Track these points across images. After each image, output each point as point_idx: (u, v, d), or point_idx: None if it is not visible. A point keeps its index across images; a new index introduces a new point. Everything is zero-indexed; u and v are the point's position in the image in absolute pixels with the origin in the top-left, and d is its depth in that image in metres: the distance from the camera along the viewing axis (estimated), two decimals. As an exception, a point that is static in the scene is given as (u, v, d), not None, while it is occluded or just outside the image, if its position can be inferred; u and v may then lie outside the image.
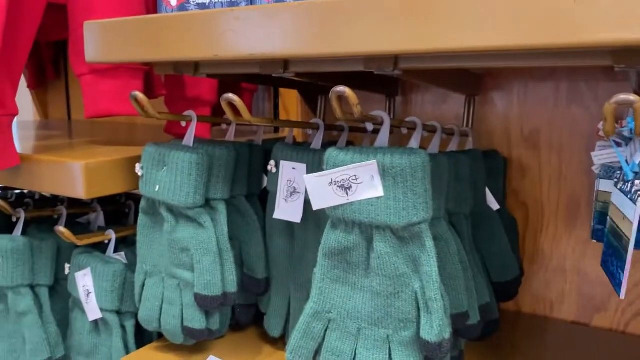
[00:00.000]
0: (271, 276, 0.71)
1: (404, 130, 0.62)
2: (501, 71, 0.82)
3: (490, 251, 0.68)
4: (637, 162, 0.45)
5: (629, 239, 0.44)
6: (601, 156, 0.70)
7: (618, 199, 0.45)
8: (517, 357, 0.70)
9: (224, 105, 0.53)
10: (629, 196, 0.44)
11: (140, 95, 0.60)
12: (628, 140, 0.53)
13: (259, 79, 0.81)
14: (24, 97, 1.49)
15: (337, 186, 0.51)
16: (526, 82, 0.81)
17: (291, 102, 1.03)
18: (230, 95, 0.52)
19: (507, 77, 0.82)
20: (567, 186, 0.80)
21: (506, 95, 0.82)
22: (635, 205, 0.42)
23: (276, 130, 1.06)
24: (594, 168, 0.70)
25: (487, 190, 0.71)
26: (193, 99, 0.88)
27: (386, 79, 0.87)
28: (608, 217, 0.47)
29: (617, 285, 0.47)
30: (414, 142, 0.59)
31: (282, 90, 1.05)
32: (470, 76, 0.81)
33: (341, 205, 0.52)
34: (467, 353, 0.68)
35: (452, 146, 0.71)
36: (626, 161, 0.55)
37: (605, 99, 0.41)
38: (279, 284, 0.70)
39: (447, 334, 0.51)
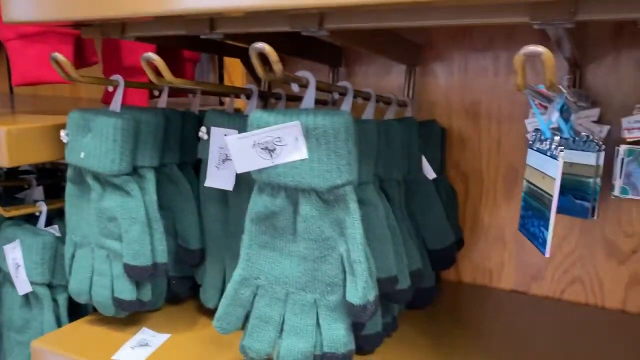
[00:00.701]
0: (206, 246, 0.69)
1: (336, 95, 0.61)
2: (441, 41, 0.82)
3: (425, 218, 0.68)
4: (553, 120, 0.45)
5: (551, 196, 0.44)
6: (534, 123, 0.70)
7: (536, 160, 0.45)
8: (456, 325, 0.70)
9: (143, 64, 0.51)
10: (548, 153, 0.44)
11: (60, 56, 0.57)
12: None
13: (200, 45, 0.79)
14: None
15: (261, 148, 0.50)
16: (466, 52, 0.81)
17: (236, 74, 1.01)
18: (150, 54, 0.51)
19: (447, 48, 0.82)
20: (506, 156, 0.80)
21: (447, 66, 0.82)
22: (557, 160, 0.42)
23: (222, 103, 1.04)
24: (527, 135, 0.71)
25: (424, 159, 0.70)
26: (130, 67, 0.85)
27: (329, 48, 0.85)
28: (524, 180, 0.47)
29: (541, 244, 0.47)
30: (345, 107, 0.58)
31: (227, 61, 1.03)
32: (411, 46, 0.81)
33: (266, 169, 0.51)
34: (405, 321, 0.69)
35: (389, 115, 0.71)
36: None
37: (542, 68, 0.40)
38: (214, 254, 0.69)
39: (371, 296, 0.50)
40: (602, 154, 0.61)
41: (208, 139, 0.64)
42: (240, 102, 0.91)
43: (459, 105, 0.82)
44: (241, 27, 0.54)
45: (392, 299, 0.59)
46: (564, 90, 0.45)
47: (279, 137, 0.50)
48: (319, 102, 0.73)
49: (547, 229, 0.45)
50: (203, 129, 0.64)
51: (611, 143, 0.67)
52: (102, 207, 0.63)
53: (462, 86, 0.82)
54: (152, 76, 0.52)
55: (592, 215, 0.62)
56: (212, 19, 0.55)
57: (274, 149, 0.50)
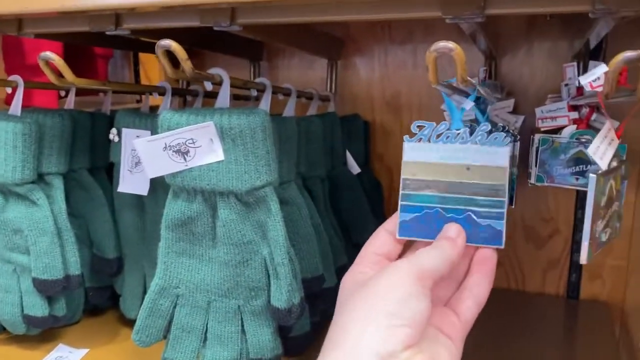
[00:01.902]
0: (123, 254, 0.66)
1: (254, 92, 0.60)
2: (361, 35, 0.81)
3: (350, 213, 0.68)
4: (467, 108, 0.45)
5: (503, 186, 0.44)
6: (453, 115, 0.71)
7: (443, 154, 0.44)
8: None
9: (41, 64, 0.48)
10: (478, 142, 0.44)
11: (-54, 56, 0.52)
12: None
13: (111, 41, 0.74)
14: None
15: (173, 151, 0.48)
16: (386, 46, 0.81)
17: (153, 69, 0.97)
18: (48, 53, 0.47)
19: (367, 42, 0.81)
20: (428, 148, 0.81)
21: (367, 60, 0.82)
22: (504, 148, 0.42)
23: (139, 101, 0.99)
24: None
25: (348, 154, 0.70)
26: (35, 66, 0.79)
27: (249, 42, 0.83)
28: (411, 180, 0.46)
29: (487, 239, 0.46)
30: (264, 104, 0.56)
31: (143, 56, 0.99)
32: (331, 40, 0.80)
33: (180, 172, 0.48)
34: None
35: (312, 110, 0.70)
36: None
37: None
38: (132, 263, 0.65)
39: (296, 299, 0.49)
40: (517, 144, 0.63)
41: (119, 141, 0.60)
42: (159, 101, 0.87)
43: (380, 98, 0.82)
44: (149, 22, 0.51)
45: (320, 298, 0.58)
46: (475, 83, 0.45)
47: (192, 139, 0.47)
48: (240, 98, 0.71)
49: (501, 219, 0.44)
50: (113, 130, 0.61)
51: (527, 132, 0.68)
52: (5, 218, 0.58)
53: (383, 79, 0.82)
54: (52, 77, 0.49)
55: (511, 204, 0.64)
56: (117, 14, 0.52)
57: (188, 152, 0.48)
